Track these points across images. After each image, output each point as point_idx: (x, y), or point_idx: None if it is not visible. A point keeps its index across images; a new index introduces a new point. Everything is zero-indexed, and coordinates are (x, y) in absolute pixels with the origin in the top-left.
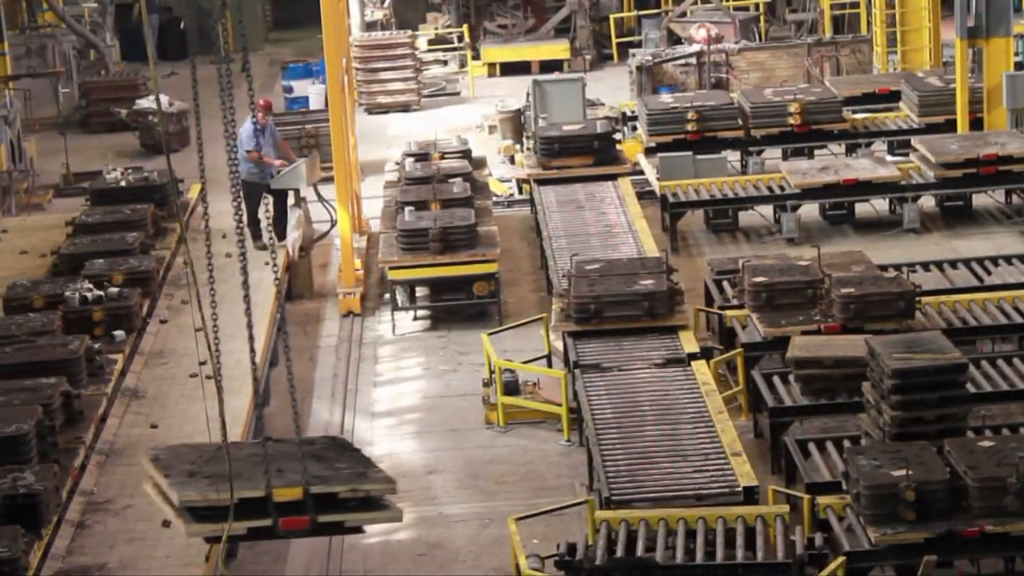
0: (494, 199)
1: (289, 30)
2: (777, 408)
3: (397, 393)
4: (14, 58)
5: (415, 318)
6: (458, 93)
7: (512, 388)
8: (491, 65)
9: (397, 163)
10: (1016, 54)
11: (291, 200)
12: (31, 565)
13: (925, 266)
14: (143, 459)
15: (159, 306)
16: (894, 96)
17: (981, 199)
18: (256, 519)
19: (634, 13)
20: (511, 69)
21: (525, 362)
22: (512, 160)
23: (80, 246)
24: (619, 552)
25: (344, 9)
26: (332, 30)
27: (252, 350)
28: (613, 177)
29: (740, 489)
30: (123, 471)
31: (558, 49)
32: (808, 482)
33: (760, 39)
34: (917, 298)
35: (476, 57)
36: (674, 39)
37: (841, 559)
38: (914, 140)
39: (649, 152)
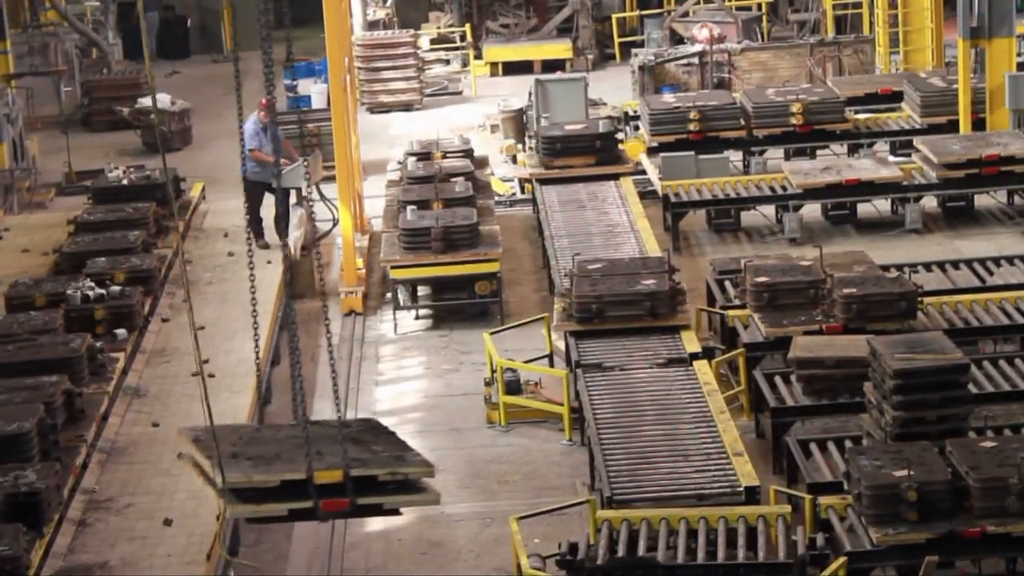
0: (496, 198)
1: (291, 29)
2: (779, 408)
3: (399, 392)
4: (16, 56)
5: (417, 317)
6: (460, 92)
7: (514, 387)
8: (493, 64)
9: (399, 162)
10: (1019, 54)
11: (293, 199)
12: (32, 563)
13: (927, 266)
14: (181, 437)
15: (161, 305)
16: (896, 96)
17: (983, 200)
18: (297, 501)
19: (636, 13)
20: (513, 68)
21: (527, 361)
22: (514, 159)
23: (82, 244)
24: (620, 552)
25: (346, 8)
26: (334, 29)
27: (257, 346)
28: (615, 177)
29: (742, 489)
30: (124, 469)
31: (560, 49)
32: (810, 482)
33: (762, 39)
34: (919, 298)
35: (478, 56)
36: (676, 39)
37: (842, 559)
38: (916, 140)
39: (651, 152)
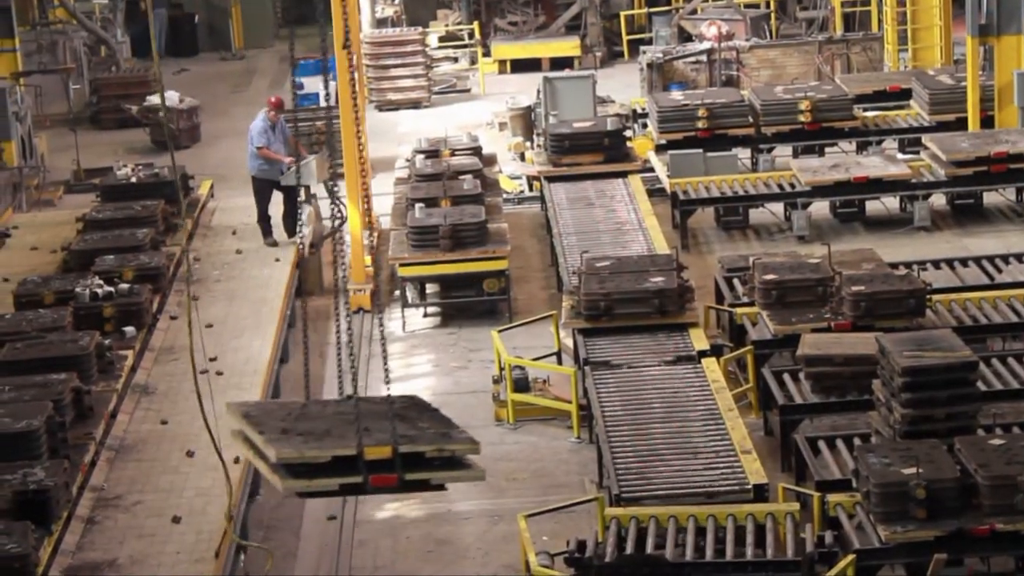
0: (504, 196)
1: (300, 27)
2: (787, 406)
3: (407, 390)
4: (25, 54)
5: (425, 315)
6: (468, 90)
7: (522, 385)
8: (501, 62)
9: (407, 160)
10: None
11: (301, 197)
12: (41, 561)
13: (936, 264)
14: (229, 412)
15: (169, 302)
16: (905, 94)
17: (992, 197)
18: (347, 476)
19: (645, 10)
20: (521, 66)
21: (535, 359)
22: (522, 157)
23: (90, 242)
24: (629, 549)
25: (355, 6)
26: (342, 27)
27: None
28: (623, 174)
29: (750, 487)
30: (133, 467)
31: (568, 46)
32: (818, 480)
33: (771, 36)
34: (927, 296)
35: (487, 54)
36: (685, 36)
37: (851, 557)
38: (925, 138)
39: (659, 149)
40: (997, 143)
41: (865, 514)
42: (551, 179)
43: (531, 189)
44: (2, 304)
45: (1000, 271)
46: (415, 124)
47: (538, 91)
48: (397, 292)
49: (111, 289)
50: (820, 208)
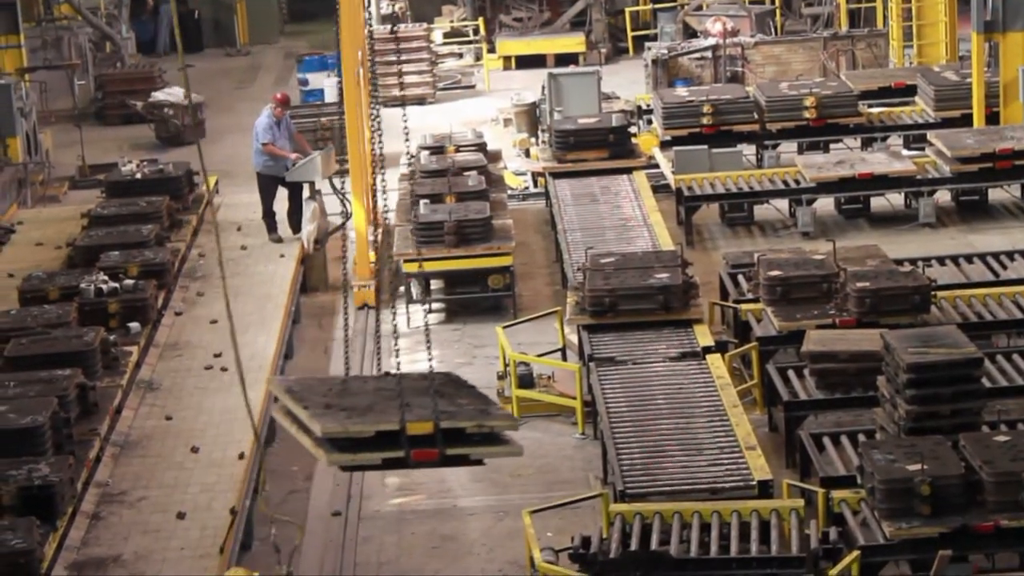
0: (509, 192)
1: (304, 23)
2: (792, 402)
3: None
4: (30, 50)
5: (430, 311)
6: (473, 86)
7: (527, 381)
8: (506, 58)
9: (412, 156)
10: None
11: (306, 193)
12: (46, 556)
13: (941, 260)
14: (272, 386)
15: (174, 298)
16: (910, 90)
17: (997, 194)
18: (390, 451)
19: (650, 7)
20: (526, 62)
21: (540, 355)
22: (527, 153)
23: (95, 238)
24: (633, 545)
25: (360, 2)
26: (348, 23)
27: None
28: (628, 171)
29: (754, 483)
30: (138, 463)
31: (573, 42)
32: (823, 476)
33: (776, 33)
34: (932, 292)
35: (491, 50)
36: (690, 33)
37: (855, 553)
38: (930, 134)
39: (664, 146)
40: (1002, 139)
41: (870, 510)
42: (556, 175)
43: (536, 185)
44: (7, 300)
45: (1005, 267)
46: (420, 120)
47: (543, 87)
48: (402, 288)
49: (116, 285)
50: (825, 204)
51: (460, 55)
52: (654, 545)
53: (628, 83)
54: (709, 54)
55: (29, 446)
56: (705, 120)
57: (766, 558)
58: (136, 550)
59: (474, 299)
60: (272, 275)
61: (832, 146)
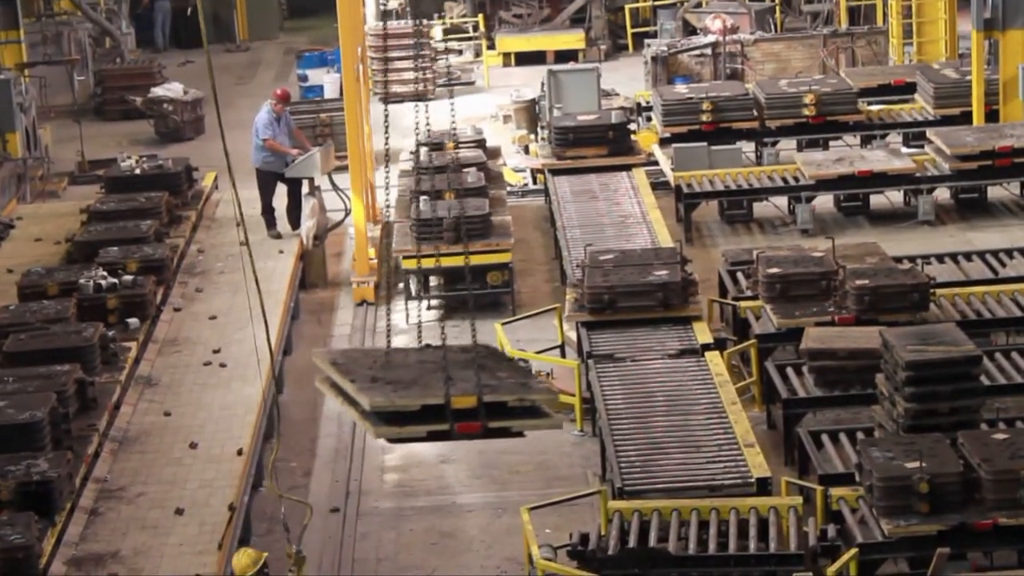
0: (508, 189)
1: (304, 19)
2: (790, 399)
3: None
4: (30, 45)
5: (429, 307)
6: (473, 83)
7: None
8: (506, 55)
9: (412, 152)
10: None
11: (305, 189)
12: (44, 552)
13: (940, 258)
14: (317, 359)
15: (173, 294)
16: (909, 88)
17: (996, 191)
18: (434, 423)
19: (649, 3)
20: (526, 59)
21: (539, 352)
22: (526, 150)
23: (94, 234)
24: (632, 542)
25: None
26: (347, 19)
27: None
28: (627, 167)
29: (753, 480)
30: (136, 458)
31: (573, 39)
32: (821, 473)
33: (775, 30)
34: (931, 290)
35: (491, 47)
36: (689, 30)
37: (854, 551)
38: (929, 132)
39: (664, 143)
40: (1001, 137)
41: (868, 508)
42: (555, 172)
43: (535, 182)
44: (6, 295)
45: (1004, 265)
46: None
47: (542, 84)
48: (401, 284)
49: (115, 281)
50: (824, 202)
51: (460, 51)
52: (652, 542)
53: (628, 80)
54: (709, 51)
55: (28, 442)
56: (704, 117)
57: (764, 555)
58: (134, 546)
59: (473, 296)
60: (271, 271)
61: (831, 143)
